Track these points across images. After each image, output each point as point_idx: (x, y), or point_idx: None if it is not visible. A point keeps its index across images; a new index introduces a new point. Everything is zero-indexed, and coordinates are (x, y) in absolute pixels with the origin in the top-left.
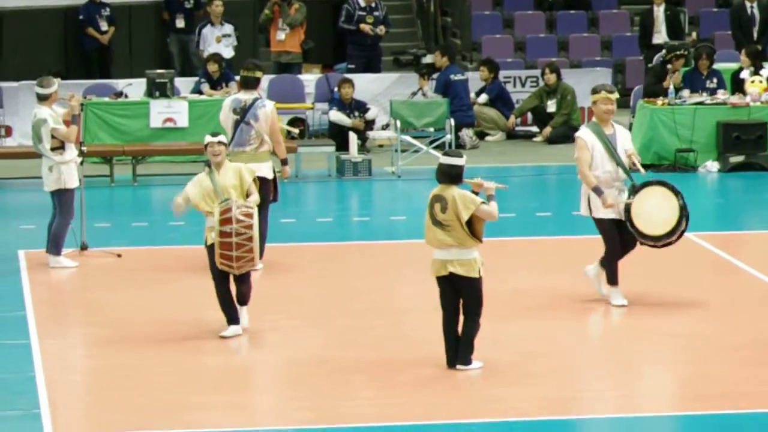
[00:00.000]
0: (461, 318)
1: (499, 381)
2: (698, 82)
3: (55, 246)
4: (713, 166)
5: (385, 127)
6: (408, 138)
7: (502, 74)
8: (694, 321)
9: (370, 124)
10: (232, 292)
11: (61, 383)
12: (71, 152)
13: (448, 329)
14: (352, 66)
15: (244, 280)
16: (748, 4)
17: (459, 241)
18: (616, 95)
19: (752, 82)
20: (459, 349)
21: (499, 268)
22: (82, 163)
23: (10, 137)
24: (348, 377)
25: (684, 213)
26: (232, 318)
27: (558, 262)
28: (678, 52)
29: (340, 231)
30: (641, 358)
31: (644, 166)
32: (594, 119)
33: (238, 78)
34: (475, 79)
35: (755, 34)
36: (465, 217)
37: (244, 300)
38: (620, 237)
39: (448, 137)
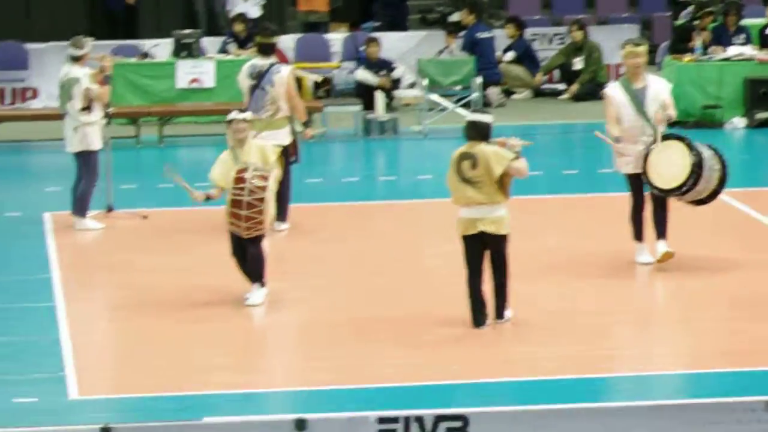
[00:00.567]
0: (485, 278)
1: (526, 339)
2: (725, 38)
3: (80, 208)
4: (740, 122)
5: (412, 85)
6: (435, 96)
7: (529, 32)
8: (719, 278)
9: (396, 83)
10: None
11: (87, 346)
12: (97, 113)
13: (473, 289)
14: (379, 25)
15: (254, 251)
16: None
17: (489, 198)
18: (643, 48)
19: None
20: (495, 304)
21: (526, 227)
22: (108, 123)
23: (36, 99)
24: (373, 337)
25: (695, 171)
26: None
27: (585, 220)
28: (707, 9)
29: (366, 191)
30: (668, 315)
31: (670, 124)
32: (625, 74)
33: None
34: (502, 36)
35: None
36: (498, 171)
37: (253, 274)
38: (651, 196)
39: (475, 95)
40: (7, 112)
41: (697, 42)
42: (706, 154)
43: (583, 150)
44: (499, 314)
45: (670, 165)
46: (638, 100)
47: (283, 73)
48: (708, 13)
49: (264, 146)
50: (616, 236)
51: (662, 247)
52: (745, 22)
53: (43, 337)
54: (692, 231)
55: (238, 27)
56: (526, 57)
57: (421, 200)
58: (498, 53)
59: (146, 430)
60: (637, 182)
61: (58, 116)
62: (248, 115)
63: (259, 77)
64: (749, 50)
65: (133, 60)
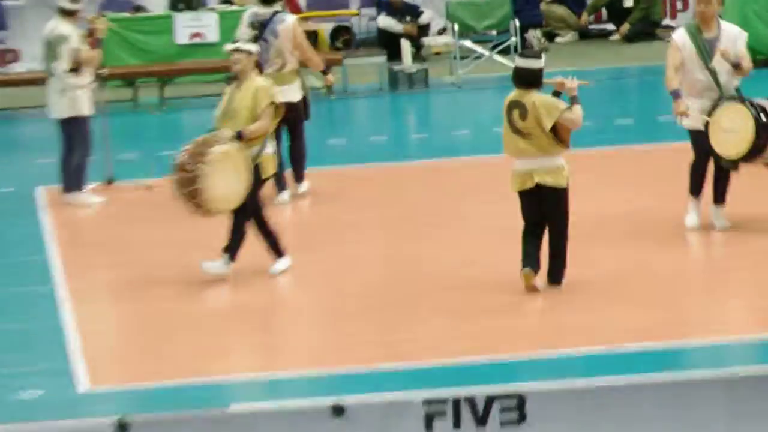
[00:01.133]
0: (545, 235)
1: (583, 307)
2: None
3: (76, 182)
4: None
5: (442, 32)
6: (468, 43)
7: None
8: None
9: (424, 30)
10: (266, 224)
11: (93, 333)
12: (87, 76)
13: (529, 237)
14: None
15: (234, 221)
16: None
17: (543, 150)
18: None
19: None
20: (551, 268)
21: (578, 184)
22: (103, 85)
23: (18, 62)
24: (412, 311)
25: (761, 135)
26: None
27: (643, 174)
28: None
29: (396, 150)
30: (738, 277)
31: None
32: (693, 20)
33: None
34: None
35: None
36: (548, 125)
37: (228, 249)
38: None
39: (513, 40)
40: None
41: None
42: None
43: (637, 97)
44: (557, 279)
45: (733, 131)
46: (705, 49)
47: (288, 22)
48: None
49: (259, 88)
50: (678, 191)
51: (717, 215)
52: None
53: (44, 324)
54: (761, 191)
55: None
56: None
57: (458, 158)
58: None
59: (168, 423)
60: (699, 137)
61: (44, 80)
62: (241, 44)
63: (261, 27)
64: None
65: (125, 14)
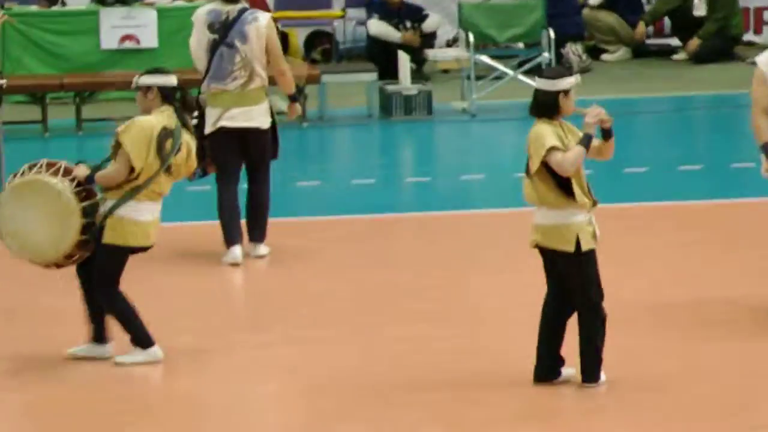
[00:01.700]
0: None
1: (627, 419)
2: None
3: None
4: None
5: (452, 42)
6: (485, 58)
7: None
8: None
9: (429, 39)
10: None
11: None
12: None
13: (548, 321)
14: None
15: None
16: None
17: (541, 200)
18: None
19: None
20: (580, 361)
21: (624, 248)
22: (1, 95)
23: None
24: (402, 412)
25: None
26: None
27: (711, 237)
28: None
29: (385, 198)
30: None
31: None
32: None
33: None
34: None
35: None
36: (533, 166)
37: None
38: None
39: (546, 56)
40: None
41: None
42: None
43: (708, 134)
44: (586, 376)
45: None
46: None
47: (261, 22)
48: None
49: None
50: (760, 264)
51: None
52: None
53: None
54: None
55: None
56: None
57: (467, 211)
58: None
59: None
60: None
61: None
62: (141, 78)
63: (224, 29)
64: None
65: (33, 8)
